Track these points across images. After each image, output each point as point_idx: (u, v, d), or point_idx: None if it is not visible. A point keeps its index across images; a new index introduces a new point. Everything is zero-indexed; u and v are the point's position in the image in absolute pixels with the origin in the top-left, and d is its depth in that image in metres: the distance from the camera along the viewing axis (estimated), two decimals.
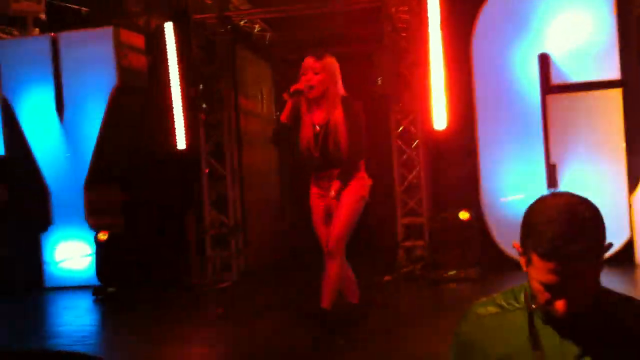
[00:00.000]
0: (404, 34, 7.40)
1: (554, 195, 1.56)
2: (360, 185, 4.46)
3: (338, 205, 4.38)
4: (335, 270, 4.33)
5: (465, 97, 7.14)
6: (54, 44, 7.72)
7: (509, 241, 6.74)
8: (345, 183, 4.37)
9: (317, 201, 4.52)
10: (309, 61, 4.39)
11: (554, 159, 6.86)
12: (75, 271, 7.52)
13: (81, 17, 8.48)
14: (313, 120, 4.42)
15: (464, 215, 6.42)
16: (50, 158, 7.72)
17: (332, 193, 4.35)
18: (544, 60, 6.87)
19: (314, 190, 4.54)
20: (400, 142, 7.52)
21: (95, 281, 7.10)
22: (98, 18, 8.28)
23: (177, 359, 4.50)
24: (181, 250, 8.50)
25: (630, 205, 6.66)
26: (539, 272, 1.52)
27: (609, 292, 1.63)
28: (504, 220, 6.75)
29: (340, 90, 4.44)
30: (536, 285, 1.56)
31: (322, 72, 4.35)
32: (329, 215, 4.46)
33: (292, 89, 4.36)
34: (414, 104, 7.41)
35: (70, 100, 7.69)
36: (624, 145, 6.72)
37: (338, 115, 4.36)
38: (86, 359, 2.04)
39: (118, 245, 7.04)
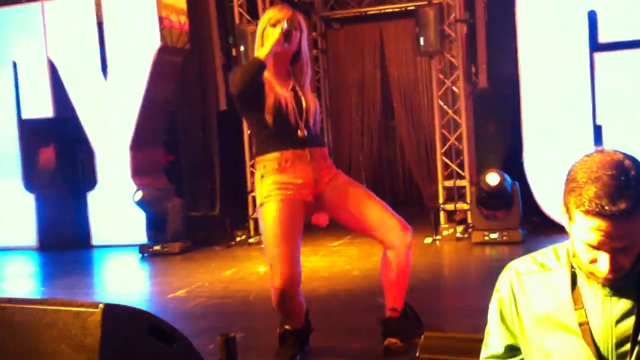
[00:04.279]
0: None
1: (600, 153, 1.53)
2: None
3: (348, 191, 3.32)
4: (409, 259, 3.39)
5: (510, 55, 6.99)
6: (97, 3, 7.78)
7: (551, 203, 6.68)
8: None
9: (290, 198, 3.21)
10: (278, 11, 3.33)
11: (599, 120, 6.70)
12: (121, 229, 7.68)
13: None
14: (280, 83, 3.32)
15: (493, 179, 6.26)
16: (95, 118, 7.84)
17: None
18: (593, 18, 6.67)
19: (281, 178, 3.22)
20: (442, 103, 7.43)
21: (141, 239, 7.26)
22: None
23: (216, 315, 4.59)
24: (226, 209, 8.65)
25: None
26: (581, 231, 1.50)
27: None
28: (547, 182, 6.65)
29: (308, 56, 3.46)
30: (579, 244, 1.54)
31: (298, 29, 3.30)
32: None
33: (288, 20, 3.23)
34: (458, 63, 7.30)
35: (114, 61, 7.77)
36: None
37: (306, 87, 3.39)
38: (135, 313, 2.09)
39: (163, 204, 7.17)
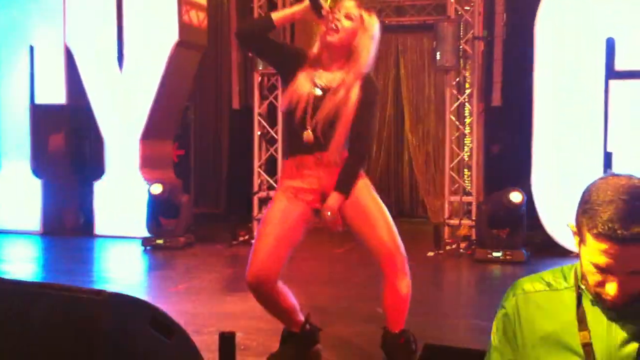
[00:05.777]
0: (468, 7, 7.29)
1: (615, 177, 1.53)
2: (366, 183, 3.25)
3: (357, 209, 3.15)
4: (409, 289, 3.23)
5: (525, 76, 7.00)
6: None
7: (557, 225, 6.65)
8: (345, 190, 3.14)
9: (293, 200, 3.16)
10: (348, 1, 3.14)
11: (610, 147, 6.69)
12: (125, 221, 7.69)
13: None
14: (314, 77, 3.14)
15: (516, 197, 6.31)
16: (107, 108, 7.86)
17: (328, 213, 3.09)
18: (611, 45, 6.68)
19: (290, 183, 3.19)
20: (454, 118, 7.44)
21: (144, 232, 7.27)
22: None
23: (215, 313, 4.60)
24: (230, 208, 8.65)
25: None
26: (592, 253, 1.50)
27: None
28: (554, 204, 6.64)
29: (368, 64, 3.16)
30: (588, 267, 1.54)
31: (358, 23, 3.10)
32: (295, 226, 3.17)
33: None
34: (472, 79, 7.31)
35: (130, 52, 7.80)
36: None
37: (353, 89, 3.11)
38: (137, 303, 2.09)
39: (169, 198, 7.18)
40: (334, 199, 3.11)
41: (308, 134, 3.11)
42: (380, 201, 3.25)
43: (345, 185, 3.13)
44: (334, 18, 3.08)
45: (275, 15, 3.16)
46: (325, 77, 3.14)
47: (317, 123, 3.10)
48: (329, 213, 3.11)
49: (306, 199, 3.18)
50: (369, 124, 3.21)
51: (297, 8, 3.17)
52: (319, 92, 3.11)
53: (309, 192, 3.18)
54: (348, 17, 3.09)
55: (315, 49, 3.20)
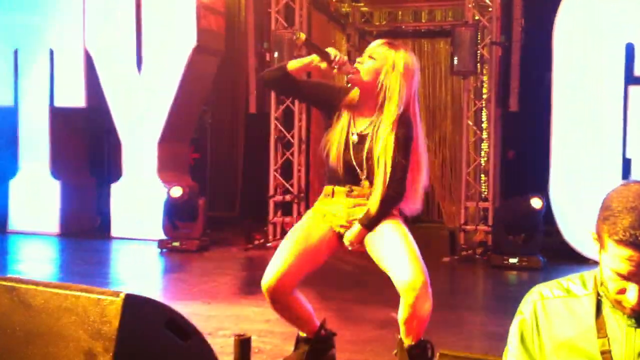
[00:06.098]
0: (486, 13, 7.27)
1: (636, 183, 1.52)
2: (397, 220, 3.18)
3: (381, 237, 3.10)
4: (430, 308, 3.05)
5: (543, 81, 6.96)
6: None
7: (574, 233, 6.60)
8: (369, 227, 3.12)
9: (321, 220, 3.22)
10: (373, 43, 3.19)
11: (629, 153, 6.64)
12: (142, 223, 7.72)
13: None
14: (350, 125, 3.17)
15: (537, 203, 6.27)
16: (125, 111, 7.91)
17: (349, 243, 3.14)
18: (630, 51, 6.63)
19: (322, 206, 3.25)
20: (471, 123, 7.41)
21: (160, 234, 7.29)
22: None
23: (229, 316, 4.60)
24: (246, 212, 8.67)
25: None
26: (612, 260, 1.49)
27: None
28: (571, 211, 6.59)
29: (401, 102, 3.09)
30: (608, 273, 1.52)
31: (381, 61, 3.09)
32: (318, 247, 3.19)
33: (323, 49, 3.12)
34: (490, 85, 7.28)
35: (149, 56, 7.84)
36: None
37: (391, 135, 3.07)
38: (154, 306, 2.10)
39: (187, 201, 7.21)
40: (356, 230, 3.13)
41: (366, 184, 3.14)
42: (408, 231, 3.15)
43: (371, 220, 3.12)
44: (359, 61, 3.12)
45: (291, 65, 3.15)
46: (360, 123, 3.16)
47: (368, 172, 3.12)
48: (347, 243, 3.16)
49: (333, 222, 3.21)
50: (405, 164, 3.13)
51: (308, 60, 3.16)
52: (354, 138, 3.14)
53: (337, 217, 3.21)
54: (371, 57, 3.11)
55: (352, 93, 3.21)
